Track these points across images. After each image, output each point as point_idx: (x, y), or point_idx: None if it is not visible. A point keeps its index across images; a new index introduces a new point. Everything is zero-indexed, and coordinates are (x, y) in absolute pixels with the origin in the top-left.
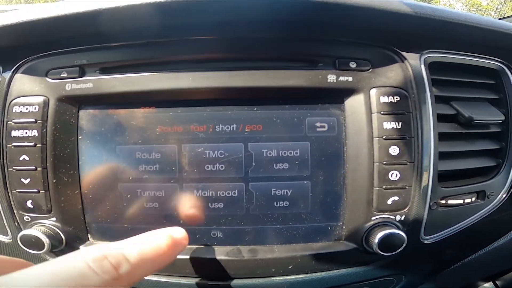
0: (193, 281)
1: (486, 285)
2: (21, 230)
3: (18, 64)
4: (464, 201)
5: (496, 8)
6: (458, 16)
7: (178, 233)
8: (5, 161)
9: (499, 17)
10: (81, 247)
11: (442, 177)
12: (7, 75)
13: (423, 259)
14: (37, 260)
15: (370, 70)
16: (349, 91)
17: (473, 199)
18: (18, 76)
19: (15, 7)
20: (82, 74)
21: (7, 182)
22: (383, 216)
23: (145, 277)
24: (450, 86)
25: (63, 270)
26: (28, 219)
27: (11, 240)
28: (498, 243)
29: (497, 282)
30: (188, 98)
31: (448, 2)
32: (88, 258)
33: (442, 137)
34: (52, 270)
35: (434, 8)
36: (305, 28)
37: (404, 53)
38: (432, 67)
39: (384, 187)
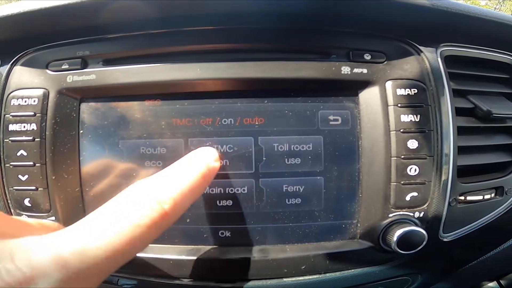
0: (201, 283)
1: (490, 284)
2: None
3: (17, 57)
4: (483, 197)
5: (495, 8)
6: (475, 10)
7: (212, 156)
8: (1, 156)
9: None
10: None
11: (461, 172)
12: (6, 67)
13: (441, 257)
14: None
15: (385, 62)
16: (363, 84)
17: (492, 195)
18: (17, 68)
19: None
20: (84, 65)
21: (3, 179)
22: (401, 213)
23: (151, 279)
24: (466, 80)
25: (109, 219)
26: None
27: None
28: None
29: (501, 282)
30: (196, 90)
31: None
32: (133, 198)
33: (460, 131)
34: (96, 223)
35: (451, 2)
36: (318, 19)
37: (420, 46)
38: (448, 60)
39: (402, 182)
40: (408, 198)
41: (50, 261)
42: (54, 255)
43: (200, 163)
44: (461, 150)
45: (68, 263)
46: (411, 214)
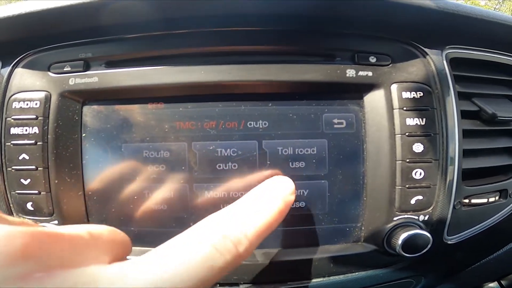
0: None
1: (491, 284)
2: None
3: (18, 58)
4: (488, 200)
5: (494, 8)
6: (481, 12)
7: (289, 189)
8: (3, 160)
9: None
10: None
11: (465, 175)
12: (7, 69)
13: (445, 259)
14: None
15: (391, 65)
16: (368, 87)
17: (497, 198)
18: (18, 70)
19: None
20: (86, 68)
21: (5, 183)
22: (406, 216)
23: None
24: (471, 82)
25: (189, 257)
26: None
27: None
28: None
29: (502, 282)
30: (199, 93)
31: None
32: (212, 241)
33: (465, 134)
34: (177, 258)
35: (457, 4)
36: (322, 21)
37: (425, 49)
38: (453, 63)
39: (407, 186)
40: (413, 201)
41: None
42: None
43: (277, 197)
44: (466, 153)
45: None
46: (416, 217)
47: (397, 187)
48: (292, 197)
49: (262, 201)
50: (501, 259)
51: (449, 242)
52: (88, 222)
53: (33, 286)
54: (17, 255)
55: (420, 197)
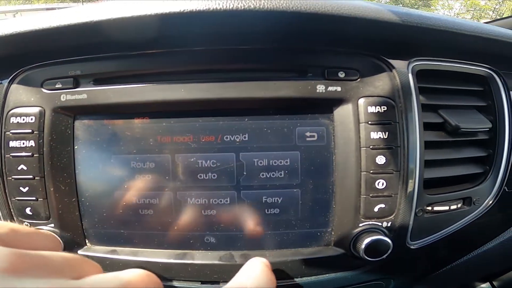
0: (187, 285)
1: (483, 285)
2: None
3: (14, 74)
4: (450, 207)
5: (494, 8)
6: (445, 24)
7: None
8: (4, 170)
9: (497, 17)
10: (79, 251)
11: (428, 184)
12: (4, 85)
13: (410, 263)
14: None
15: (359, 79)
16: (338, 101)
17: (459, 205)
18: (14, 86)
19: (14, 8)
20: (76, 85)
21: (6, 191)
22: (370, 222)
23: None
24: (438, 94)
25: None
26: (27, 225)
27: None
28: (487, 246)
29: (494, 283)
30: (181, 109)
31: (446, 1)
32: None
33: (428, 145)
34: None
35: (421, 16)
36: (294, 39)
37: (392, 61)
38: (420, 74)
39: (371, 195)
40: (376, 209)
41: None
42: None
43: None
44: (429, 164)
45: None
46: (380, 224)
47: (362, 196)
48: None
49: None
50: (472, 262)
51: (412, 247)
52: (82, 225)
53: None
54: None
55: (383, 205)
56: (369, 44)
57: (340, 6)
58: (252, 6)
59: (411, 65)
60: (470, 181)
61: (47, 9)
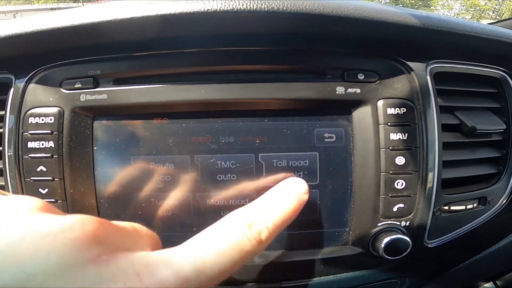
0: None
1: (487, 285)
2: None
3: (31, 74)
4: (466, 207)
5: (494, 8)
6: (464, 27)
7: (302, 189)
8: (22, 171)
9: (498, 17)
10: None
11: (445, 184)
12: (21, 84)
13: (427, 261)
14: None
15: (378, 81)
16: (357, 103)
17: (475, 205)
18: (32, 86)
19: (14, 8)
20: (96, 85)
21: (23, 193)
22: (389, 222)
23: None
24: (454, 96)
25: (225, 241)
26: None
27: None
28: (499, 245)
29: (497, 282)
30: (200, 110)
31: (446, 2)
32: (241, 228)
33: (446, 146)
34: (214, 243)
35: (441, 20)
36: (314, 41)
37: (410, 64)
38: (437, 77)
39: (390, 195)
40: (395, 209)
41: (173, 279)
42: (176, 272)
43: (292, 195)
44: (446, 164)
45: (189, 280)
46: (398, 223)
47: (381, 196)
48: (306, 196)
49: (280, 198)
50: (484, 261)
51: (430, 246)
52: None
53: (101, 267)
54: (89, 239)
55: (402, 205)
56: (388, 47)
57: (363, 9)
58: (275, 7)
59: (429, 67)
60: (484, 181)
61: (50, 9)
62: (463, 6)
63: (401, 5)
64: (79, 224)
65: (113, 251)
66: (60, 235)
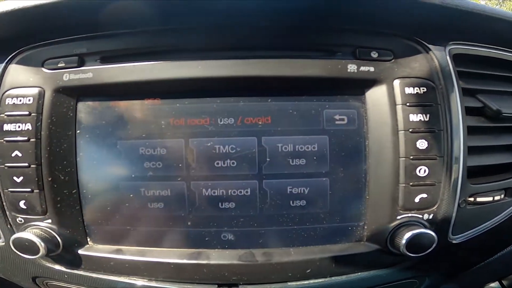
0: None
1: (493, 284)
2: (14, 233)
3: (12, 55)
4: (493, 198)
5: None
6: (483, 8)
7: None
8: None
9: None
10: (79, 251)
11: (470, 173)
12: (0, 66)
13: (449, 259)
14: (33, 265)
15: (393, 60)
16: (370, 82)
17: (502, 196)
18: (12, 66)
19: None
20: (81, 63)
21: None
22: (410, 215)
23: (154, 285)
24: (475, 79)
25: None
26: (21, 221)
27: (4, 244)
28: None
29: (504, 282)
30: (197, 89)
31: None
32: None
33: (469, 131)
34: None
35: (462, 0)
36: (323, 16)
37: (428, 44)
38: (456, 59)
39: (411, 183)
40: (417, 199)
41: None
42: None
43: None
44: (471, 150)
45: None
46: (420, 216)
47: (400, 184)
48: None
49: None
50: (505, 259)
51: (454, 242)
52: (83, 220)
53: None
54: None
55: (425, 195)
56: (404, 26)
57: None
58: None
59: (448, 48)
60: (508, 170)
61: None
62: None
63: None
64: None
65: None
66: None
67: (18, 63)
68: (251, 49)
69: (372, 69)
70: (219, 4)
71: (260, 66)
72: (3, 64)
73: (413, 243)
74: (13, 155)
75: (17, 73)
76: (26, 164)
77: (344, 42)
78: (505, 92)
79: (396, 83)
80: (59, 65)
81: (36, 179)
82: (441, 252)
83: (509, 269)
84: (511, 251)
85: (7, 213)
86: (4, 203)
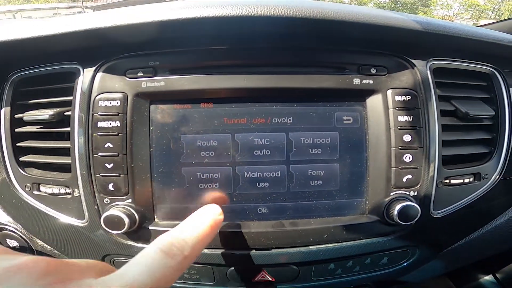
0: (244, 252)
1: (487, 277)
2: (100, 213)
3: (98, 64)
4: (464, 180)
5: (493, 8)
6: (458, 30)
7: (216, 212)
8: (90, 148)
9: (497, 17)
10: (149, 226)
11: (446, 161)
12: (89, 73)
13: (433, 232)
14: (109, 243)
15: (387, 75)
16: (370, 92)
17: (471, 179)
18: (99, 74)
19: (14, 8)
20: (155, 74)
21: (91, 168)
22: (400, 192)
23: (207, 251)
24: (450, 87)
25: (147, 261)
26: (107, 201)
27: (86, 224)
28: (496, 223)
29: (497, 275)
30: (241, 96)
31: (446, 1)
32: (162, 248)
33: (444, 128)
34: (140, 264)
35: (439, 25)
36: (335, 41)
37: (413, 61)
38: (436, 71)
39: (400, 167)
40: (405, 179)
41: None
42: None
43: (208, 217)
44: (445, 143)
45: None
46: (408, 192)
47: (392, 168)
48: (220, 217)
49: (199, 220)
50: (483, 239)
51: (435, 216)
52: (152, 200)
53: None
54: (42, 271)
55: (410, 176)
56: (395, 47)
57: (377, 17)
58: (307, 15)
59: (429, 64)
60: (478, 160)
61: (50, 8)
62: (463, 6)
63: (400, 5)
64: (32, 262)
65: (63, 280)
66: (19, 271)
67: (104, 71)
68: (282, 66)
69: (371, 82)
70: (260, 32)
71: (288, 80)
72: (92, 72)
73: (402, 213)
74: (105, 146)
75: (104, 80)
76: (116, 153)
77: (351, 61)
78: (475, 98)
79: (389, 92)
80: (138, 74)
81: (123, 165)
82: (427, 225)
83: (489, 248)
84: (490, 230)
85: (96, 195)
86: (94, 187)
